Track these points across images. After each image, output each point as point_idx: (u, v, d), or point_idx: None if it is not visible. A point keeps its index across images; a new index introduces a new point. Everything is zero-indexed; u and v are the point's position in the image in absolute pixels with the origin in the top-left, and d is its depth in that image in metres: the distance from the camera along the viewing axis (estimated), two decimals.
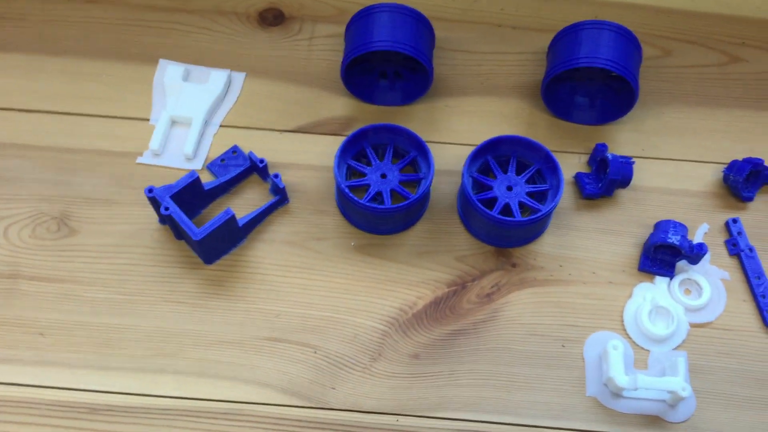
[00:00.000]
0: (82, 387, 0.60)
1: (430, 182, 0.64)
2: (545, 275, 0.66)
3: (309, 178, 0.69)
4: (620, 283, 0.65)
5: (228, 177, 0.67)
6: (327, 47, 0.76)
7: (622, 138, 0.72)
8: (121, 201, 0.67)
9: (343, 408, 0.60)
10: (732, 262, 0.67)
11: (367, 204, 0.63)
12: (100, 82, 0.73)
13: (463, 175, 0.65)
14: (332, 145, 0.70)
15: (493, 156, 0.67)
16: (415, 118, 0.72)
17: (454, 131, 0.72)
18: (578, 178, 0.69)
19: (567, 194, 0.69)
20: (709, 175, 0.70)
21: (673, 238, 0.63)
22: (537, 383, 0.61)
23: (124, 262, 0.65)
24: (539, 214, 0.63)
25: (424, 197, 0.66)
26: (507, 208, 0.65)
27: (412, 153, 0.67)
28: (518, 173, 0.67)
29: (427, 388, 0.61)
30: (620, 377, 0.59)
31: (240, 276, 0.65)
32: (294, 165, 0.70)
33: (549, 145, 0.70)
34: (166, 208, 0.62)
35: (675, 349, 0.63)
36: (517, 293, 0.65)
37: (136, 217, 0.67)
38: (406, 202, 0.63)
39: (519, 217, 0.64)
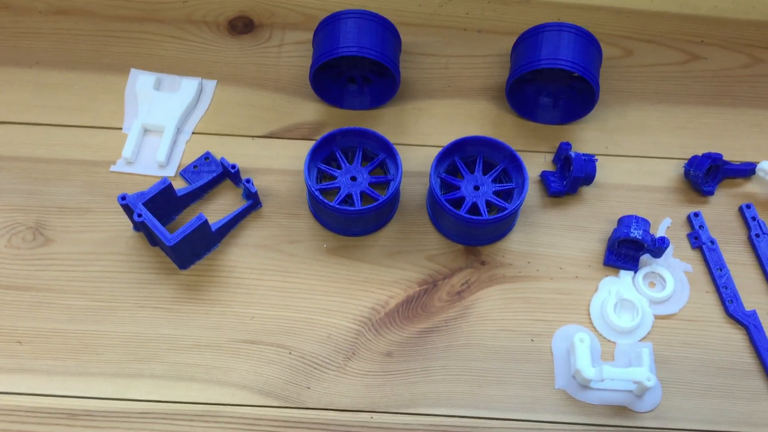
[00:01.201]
0: (60, 393, 0.61)
1: (399, 183, 0.66)
2: (514, 272, 0.67)
3: (281, 182, 0.70)
4: (586, 278, 0.67)
5: (200, 183, 0.68)
6: (296, 54, 0.77)
7: (586, 136, 0.74)
8: (95, 209, 0.68)
9: (318, 407, 0.61)
10: (694, 255, 0.69)
11: (338, 206, 0.65)
12: (73, 92, 0.74)
13: (430, 175, 0.66)
14: (303, 149, 0.71)
15: (460, 156, 0.68)
16: (384, 122, 0.74)
17: (422, 133, 0.74)
18: (544, 176, 0.71)
19: (533, 192, 0.71)
20: (671, 170, 0.72)
21: (636, 233, 0.65)
22: (507, 377, 0.63)
23: (100, 270, 0.66)
24: (505, 212, 0.65)
25: (394, 198, 0.67)
26: (474, 207, 0.67)
27: (380, 155, 0.69)
28: (485, 173, 0.69)
29: (400, 385, 0.62)
30: (587, 369, 0.60)
31: (215, 280, 0.66)
32: (266, 170, 0.71)
33: (515, 144, 0.72)
34: (139, 215, 0.63)
35: (640, 340, 0.64)
36: (486, 290, 0.66)
37: (110, 224, 0.68)
38: (376, 204, 0.65)
39: (486, 215, 0.66)
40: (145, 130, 0.72)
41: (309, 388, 0.62)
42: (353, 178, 0.68)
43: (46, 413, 0.60)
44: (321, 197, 0.65)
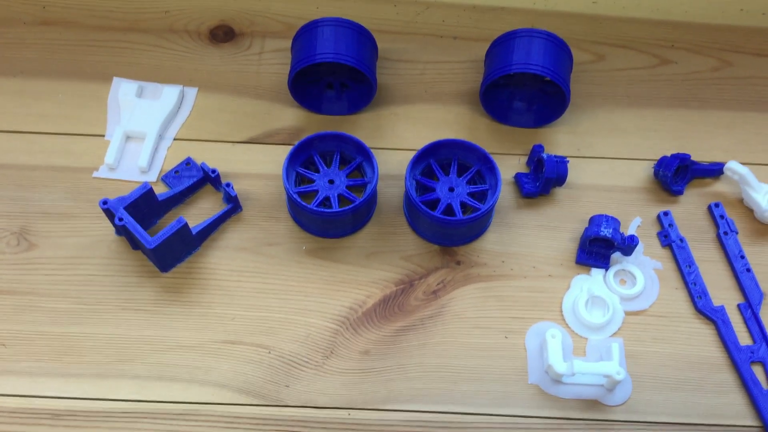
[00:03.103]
0: (43, 394, 0.62)
1: (375, 186, 0.68)
2: (488, 271, 0.69)
3: (261, 186, 0.72)
4: (559, 276, 0.69)
5: (181, 188, 0.70)
6: (276, 61, 0.79)
7: (559, 139, 0.76)
8: (78, 214, 0.70)
9: (297, 405, 0.63)
10: (664, 253, 0.70)
11: (316, 208, 0.66)
12: (56, 101, 0.75)
13: (406, 178, 0.68)
14: (283, 154, 0.73)
15: (435, 159, 0.70)
16: (362, 126, 0.76)
17: (399, 137, 0.75)
18: (517, 178, 0.73)
19: (507, 194, 0.73)
20: (641, 171, 0.74)
21: (606, 231, 0.67)
22: (482, 373, 0.64)
23: (83, 273, 0.67)
24: (479, 212, 0.66)
25: (371, 200, 0.69)
26: (449, 208, 0.69)
27: (357, 159, 0.70)
28: (459, 175, 0.70)
29: (377, 382, 0.64)
30: (559, 364, 0.62)
31: (195, 282, 0.67)
32: (246, 174, 0.72)
33: (489, 148, 0.73)
34: (120, 219, 0.64)
35: (611, 336, 0.66)
36: (461, 289, 0.68)
37: (93, 229, 0.69)
38: (353, 205, 0.66)
39: (461, 216, 0.67)
40: (127, 137, 0.73)
41: (288, 387, 0.63)
42: (331, 181, 0.70)
43: (30, 414, 0.61)
44: (299, 200, 0.66)
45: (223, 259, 0.69)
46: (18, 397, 0.62)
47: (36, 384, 0.62)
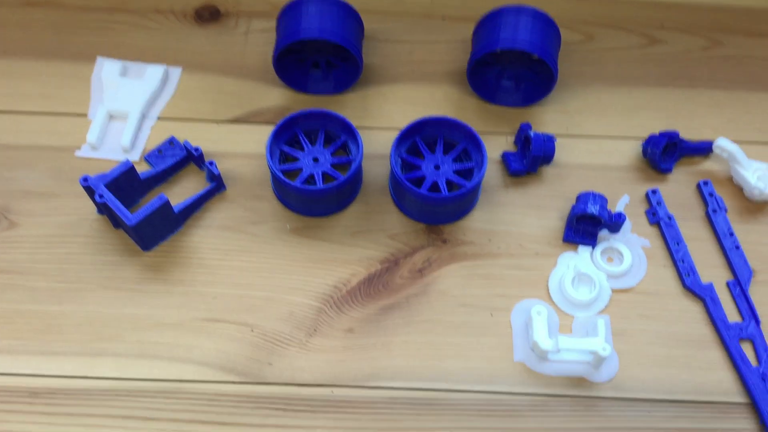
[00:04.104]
0: (22, 372, 0.61)
1: (360, 163, 0.67)
2: (474, 249, 0.68)
3: (246, 165, 0.71)
4: (546, 254, 0.68)
5: (164, 166, 0.69)
6: (262, 41, 0.78)
7: (547, 118, 0.75)
8: (60, 194, 0.69)
9: (280, 382, 0.62)
10: (652, 231, 0.70)
11: (300, 186, 0.66)
12: (40, 81, 0.75)
13: (391, 155, 0.67)
14: (268, 133, 0.71)
15: (421, 137, 0.69)
16: (348, 106, 0.75)
17: (386, 117, 0.75)
18: (504, 156, 0.72)
19: (495, 172, 0.72)
20: (630, 150, 0.74)
21: (593, 208, 0.66)
22: (467, 351, 0.64)
23: (64, 252, 0.66)
24: (464, 189, 0.66)
25: (355, 178, 0.68)
26: (435, 186, 0.68)
27: (342, 137, 0.70)
28: (445, 153, 0.70)
29: (361, 360, 0.63)
30: (544, 341, 0.61)
31: (178, 261, 0.67)
32: (231, 154, 0.72)
33: (477, 127, 0.73)
34: (101, 196, 0.63)
35: (598, 313, 0.65)
36: (447, 267, 0.67)
37: (75, 208, 0.68)
38: (337, 182, 0.66)
39: (446, 193, 0.67)
40: (111, 116, 0.72)
41: (270, 365, 0.62)
42: (315, 160, 0.69)
43: (8, 392, 0.60)
44: (283, 177, 0.65)
45: (207, 238, 0.68)
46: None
47: (15, 362, 0.62)
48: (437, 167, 0.69)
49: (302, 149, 0.70)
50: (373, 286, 0.66)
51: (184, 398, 0.61)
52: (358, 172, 0.68)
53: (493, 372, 0.63)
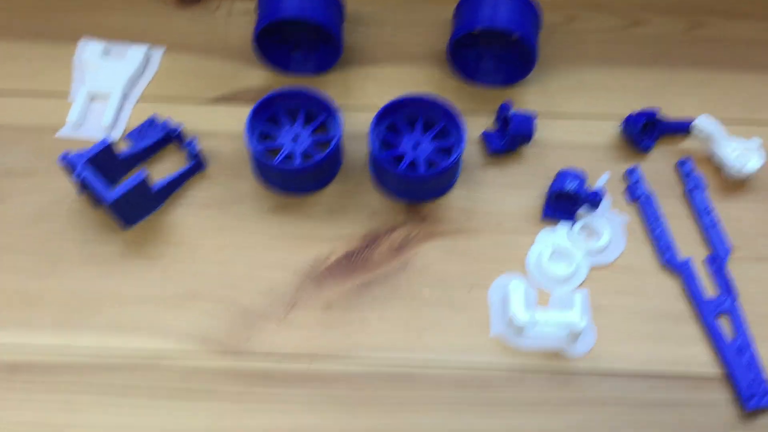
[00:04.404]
0: (1, 346, 0.62)
1: (339, 140, 0.67)
2: (454, 227, 0.69)
3: (227, 145, 0.72)
4: (525, 231, 0.68)
5: (144, 145, 0.69)
6: (244, 23, 0.79)
7: (529, 99, 0.76)
8: (41, 173, 0.69)
9: (258, 357, 0.62)
10: (631, 208, 0.70)
11: (278, 164, 0.66)
12: (21, 62, 0.75)
13: (370, 133, 0.67)
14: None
15: (400, 116, 0.70)
16: (330, 86, 0.75)
17: (367, 98, 0.75)
18: (484, 136, 0.72)
19: (475, 152, 0.72)
20: (610, 129, 0.74)
21: (571, 186, 0.67)
22: (445, 326, 0.64)
23: (45, 230, 0.67)
24: (442, 166, 0.66)
25: (335, 156, 0.69)
26: (414, 164, 0.68)
27: (322, 115, 0.70)
28: (425, 131, 0.70)
29: (339, 334, 0.63)
30: (520, 315, 0.62)
31: (158, 238, 0.67)
32: (213, 134, 0.72)
33: (459, 106, 0.72)
34: (79, 174, 0.64)
35: (575, 289, 0.66)
36: (426, 244, 0.68)
37: (56, 188, 0.69)
38: (316, 159, 0.66)
39: (425, 171, 0.67)
40: (92, 97, 0.73)
41: (249, 340, 0.63)
42: (295, 138, 0.69)
43: None
44: (262, 156, 0.66)
45: (187, 216, 0.68)
46: None
47: None
48: (417, 145, 0.69)
49: (282, 128, 0.70)
50: (352, 263, 0.67)
51: (164, 370, 0.61)
52: (338, 150, 0.69)
53: (470, 346, 0.63)
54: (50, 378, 0.60)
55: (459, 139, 0.68)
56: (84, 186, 0.65)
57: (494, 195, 0.70)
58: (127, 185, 0.63)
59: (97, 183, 0.63)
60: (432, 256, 0.67)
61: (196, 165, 0.70)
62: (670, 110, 0.74)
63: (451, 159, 0.66)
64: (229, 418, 0.60)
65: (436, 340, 0.63)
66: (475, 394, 0.62)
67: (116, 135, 0.71)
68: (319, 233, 0.68)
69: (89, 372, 0.61)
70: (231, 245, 0.67)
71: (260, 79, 0.75)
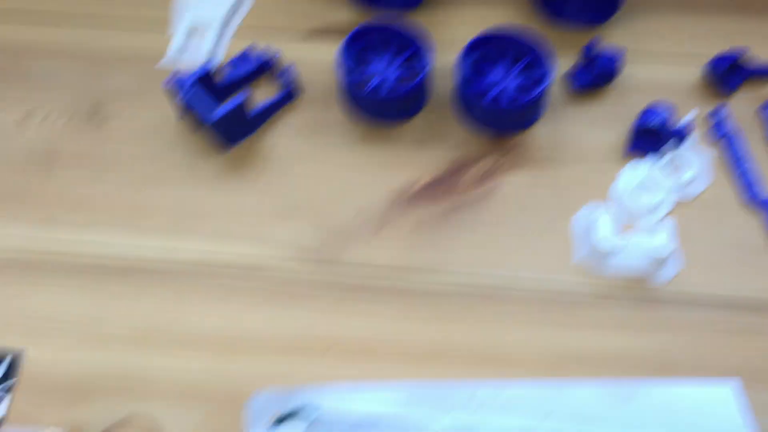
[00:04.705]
0: (114, 250, 0.66)
1: (428, 72, 0.69)
2: (538, 159, 0.70)
3: (318, 76, 0.74)
4: (609, 165, 0.70)
5: (241, 73, 0.73)
6: None
7: (615, 39, 0.77)
8: (143, 99, 0.73)
9: (352, 268, 0.65)
10: (716, 145, 0.71)
11: (368, 94, 0.68)
12: None
13: (457, 67, 0.69)
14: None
15: (487, 50, 0.72)
16: (419, 21, 0.77)
17: (454, 34, 0.76)
18: (569, 73, 0.74)
19: (559, 88, 0.74)
20: (695, 70, 0.74)
21: (658, 120, 0.68)
22: (531, 251, 0.66)
23: (149, 149, 0.70)
24: (529, 97, 0.68)
25: (422, 87, 0.71)
26: (500, 96, 0.70)
27: (412, 47, 0.72)
28: (512, 64, 0.72)
29: (429, 253, 0.65)
30: (605, 241, 0.63)
31: (255, 161, 0.70)
32: (305, 64, 0.74)
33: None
34: (185, 95, 0.67)
35: (661, 219, 0.67)
36: (511, 174, 0.69)
37: (157, 112, 0.72)
38: (404, 89, 0.68)
39: (511, 103, 0.69)
40: (193, 27, 0.76)
41: (343, 252, 0.65)
42: (385, 70, 0.72)
43: (100, 268, 0.65)
44: (353, 85, 0.68)
45: (281, 142, 0.71)
46: (90, 255, 0.65)
47: (105, 241, 0.66)
48: (503, 78, 0.71)
49: (372, 59, 0.72)
50: (439, 189, 0.69)
51: (265, 276, 0.64)
52: (426, 81, 0.71)
53: (555, 270, 0.65)
54: (159, 280, 0.64)
55: (546, 72, 0.69)
56: (188, 107, 0.69)
57: (579, 130, 0.72)
58: (230, 105, 0.67)
59: (201, 104, 0.67)
60: (517, 185, 0.69)
61: (290, 93, 0.73)
62: (757, 53, 0.75)
63: (538, 91, 0.68)
64: (326, 323, 0.63)
65: (523, 263, 0.65)
66: (560, 314, 0.63)
67: (215, 64, 0.74)
68: (406, 161, 0.70)
69: (195, 275, 0.64)
70: (323, 169, 0.70)
71: (352, 13, 0.78)
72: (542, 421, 0.55)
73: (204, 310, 0.63)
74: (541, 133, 0.72)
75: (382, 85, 0.71)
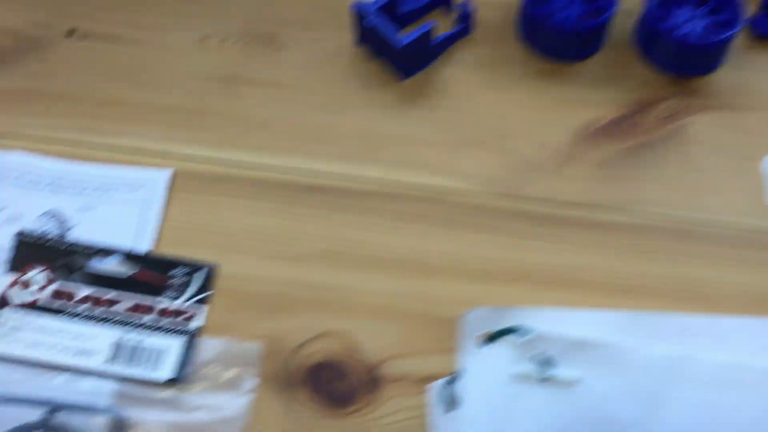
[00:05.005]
0: (299, 171, 0.66)
1: (614, 11, 0.68)
2: (723, 102, 0.69)
3: (491, 11, 0.73)
4: None
5: (419, 4, 0.72)
6: None
7: None
8: (320, 26, 0.73)
9: (537, 201, 0.64)
10: None
11: (551, 27, 0.67)
12: None
13: (644, 4, 0.68)
14: None
15: None
16: None
17: None
18: (751, 19, 0.72)
19: (745, 33, 0.72)
20: None
21: None
22: (719, 191, 0.65)
23: (327, 75, 0.70)
24: (717, 38, 0.66)
25: (606, 24, 0.70)
26: (686, 36, 0.68)
27: None
28: (699, 5, 0.70)
29: (616, 190, 0.65)
30: None
31: (432, 92, 0.70)
32: None
33: None
34: (372, 20, 0.67)
35: None
36: (696, 116, 0.68)
37: (334, 40, 0.72)
38: (589, 24, 0.67)
39: (696, 43, 0.67)
40: None
41: (528, 185, 0.65)
42: (569, 3, 0.70)
43: (288, 186, 0.65)
44: (536, 16, 0.67)
45: (457, 74, 0.71)
46: (273, 172, 0.66)
47: (292, 162, 0.66)
48: (690, 19, 0.69)
49: None
50: (622, 127, 0.68)
51: (449, 204, 0.64)
52: (611, 18, 0.70)
53: (746, 211, 0.64)
54: (343, 200, 0.64)
55: (737, 15, 0.67)
56: (372, 33, 0.68)
57: (763, 76, 0.70)
58: (417, 32, 0.66)
59: (388, 27, 0.66)
60: (702, 127, 0.67)
61: (466, 27, 0.72)
62: None
63: (731, 31, 0.66)
64: (513, 252, 0.62)
65: (712, 203, 0.64)
66: (751, 255, 0.62)
67: None
68: (586, 98, 0.69)
69: (379, 199, 0.64)
70: (501, 103, 0.69)
71: None
72: (754, 356, 0.54)
73: (392, 232, 0.63)
74: (723, 78, 0.70)
75: (565, 20, 0.70)
